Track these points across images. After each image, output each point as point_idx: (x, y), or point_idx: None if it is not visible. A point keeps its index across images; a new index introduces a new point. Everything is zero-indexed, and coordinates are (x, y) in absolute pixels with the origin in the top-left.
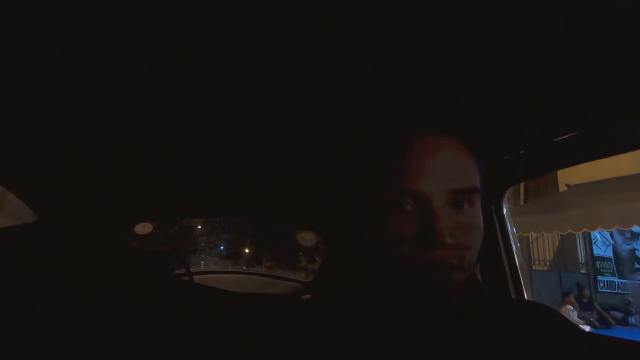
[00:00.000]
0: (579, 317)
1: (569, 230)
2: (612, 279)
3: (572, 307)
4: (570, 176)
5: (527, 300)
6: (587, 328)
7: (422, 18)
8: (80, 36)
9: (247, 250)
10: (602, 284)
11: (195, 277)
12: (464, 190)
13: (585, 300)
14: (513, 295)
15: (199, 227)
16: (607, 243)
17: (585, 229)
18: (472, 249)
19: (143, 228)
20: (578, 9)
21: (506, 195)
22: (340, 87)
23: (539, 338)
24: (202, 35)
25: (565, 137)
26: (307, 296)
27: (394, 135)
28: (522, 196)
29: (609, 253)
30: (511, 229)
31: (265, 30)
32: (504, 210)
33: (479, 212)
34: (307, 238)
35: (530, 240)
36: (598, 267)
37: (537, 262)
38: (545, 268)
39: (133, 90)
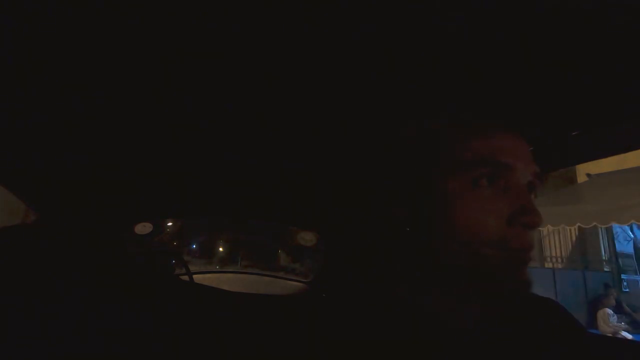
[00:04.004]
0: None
1: (578, 224)
2: (636, 277)
3: (611, 311)
4: (589, 165)
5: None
6: (627, 335)
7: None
8: (79, 35)
9: (246, 250)
10: (625, 284)
11: (195, 277)
12: (541, 175)
13: (614, 302)
14: None
15: (199, 226)
16: (628, 238)
17: (595, 223)
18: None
19: (143, 228)
20: (577, 10)
21: None
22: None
23: (543, 332)
24: (202, 32)
25: (564, 137)
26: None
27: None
28: None
29: (630, 249)
30: None
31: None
32: None
33: None
34: (307, 238)
35: (542, 235)
36: (621, 264)
37: (550, 259)
38: (560, 265)
39: (133, 89)
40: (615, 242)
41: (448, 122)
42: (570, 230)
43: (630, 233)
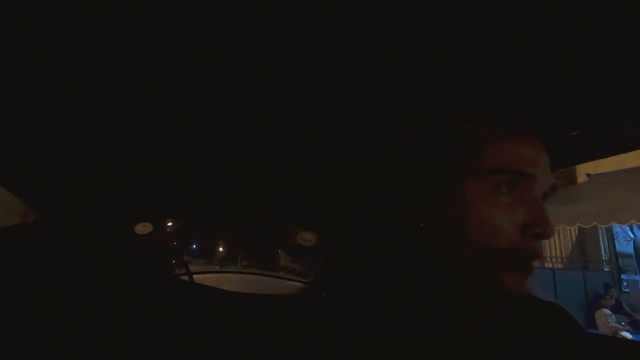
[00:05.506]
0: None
1: (578, 224)
2: (636, 277)
3: (609, 311)
4: (589, 165)
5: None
6: (627, 335)
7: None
8: (79, 35)
9: (246, 250)
10: (625, 284)
11: (195, 277)
12: (556, 187)
13: (613, 302)
14: None
15: (199, 226)
16: (628, 238)
17: (595, 223)
18: None
19: (143, 228)
20: (577, 10)
21: None
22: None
23: (546, 334)
24: (202, 32)
25: (564, 137)
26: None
27: (506, 125)
28: None
29: (630, 249)
30: None
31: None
32: None
33: None
34: (307, 238)
35: None
36: (621, 264)
37: (550, 259)
38: (560, 265)
39: (133, 89)
40: (615, 242)
41: (474, 124)
42: (570, 230)
43: (630, 233)
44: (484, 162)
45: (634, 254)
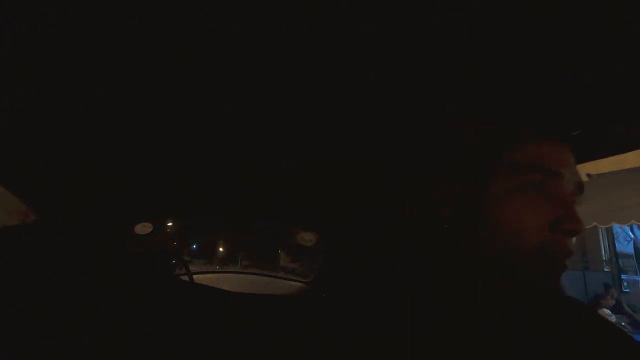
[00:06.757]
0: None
1: None
2: (636, 277)
3: (609, 311)
4: (589, 165)
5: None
6: None
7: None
8: (79, 35)
9: (246, 250)
10: (626, 284)
11: (195, 277)
12: (582, 185)
13: (614, 302)
14: None
15: (199, 226)
16: (628, 238)
17: (595, 224)
18: None
19: (143, 228)
20: (577, 10)
21: None
22: None
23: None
24: (202, 32)
25: (564, 137)
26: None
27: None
28: None
29: (630, 249)
30: None
31: None
32: None
33: None
34: (307, 238)
35: None
36: (621, 264)
37: None
38: None
39: (133, 89)
40: (615, 242)
41: (501, 125)
42: None
43: (630, 233)
44: (512, 161)
45: (634, 254)
